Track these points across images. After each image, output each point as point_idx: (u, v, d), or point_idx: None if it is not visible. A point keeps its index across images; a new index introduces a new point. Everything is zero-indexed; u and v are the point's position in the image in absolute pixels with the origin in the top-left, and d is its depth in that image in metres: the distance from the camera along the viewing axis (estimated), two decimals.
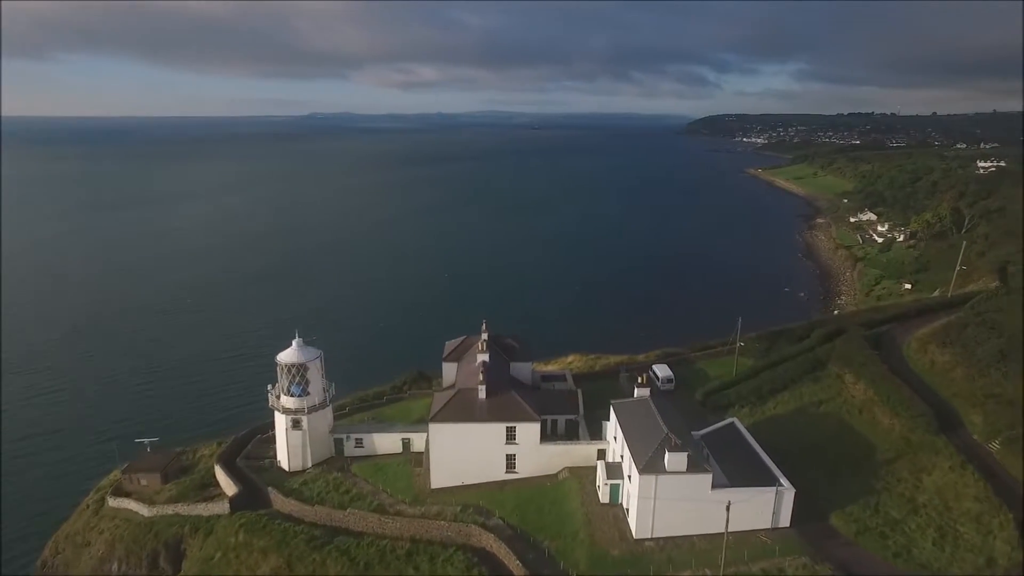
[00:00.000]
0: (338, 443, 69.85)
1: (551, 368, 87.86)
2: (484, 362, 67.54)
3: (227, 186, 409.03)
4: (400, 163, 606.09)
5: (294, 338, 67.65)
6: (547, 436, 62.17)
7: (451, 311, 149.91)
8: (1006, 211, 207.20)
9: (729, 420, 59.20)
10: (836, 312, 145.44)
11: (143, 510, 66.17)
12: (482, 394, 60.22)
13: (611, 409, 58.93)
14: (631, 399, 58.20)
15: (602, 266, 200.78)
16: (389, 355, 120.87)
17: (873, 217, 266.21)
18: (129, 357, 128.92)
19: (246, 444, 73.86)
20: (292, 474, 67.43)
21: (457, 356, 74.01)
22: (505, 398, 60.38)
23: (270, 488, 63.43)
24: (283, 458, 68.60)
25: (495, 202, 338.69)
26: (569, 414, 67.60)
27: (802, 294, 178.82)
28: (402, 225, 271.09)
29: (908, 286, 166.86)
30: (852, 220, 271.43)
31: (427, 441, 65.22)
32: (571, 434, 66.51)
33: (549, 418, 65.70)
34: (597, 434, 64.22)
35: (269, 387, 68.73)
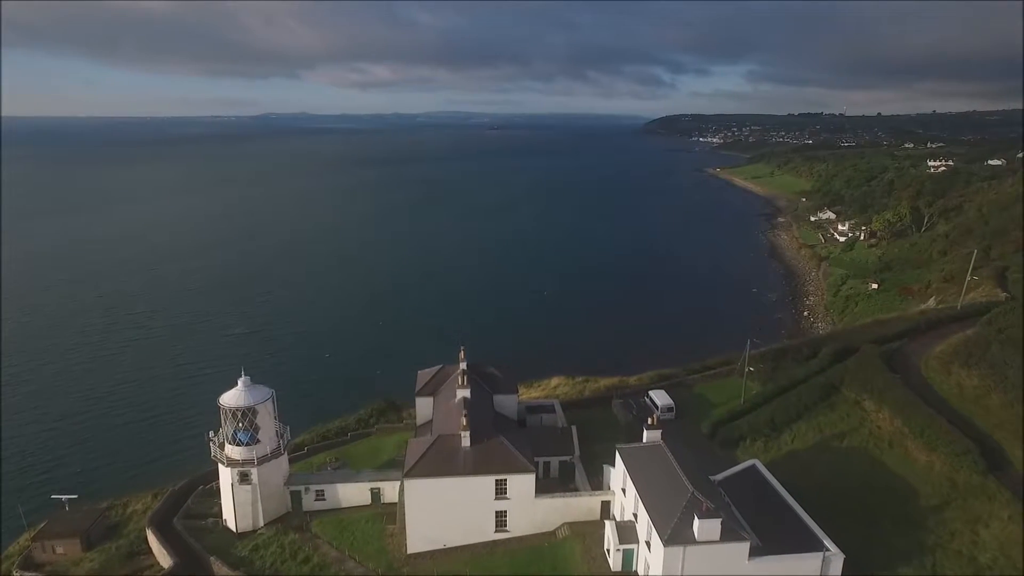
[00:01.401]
0: (295, 496, 59.83)
1: (535, 395, 79.58)
2: (465, 399, 58.81)
3: (166, 190, 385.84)
4: (353, 164, 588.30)
5: (240, 376, 57.46)
6: (539, 481, 53.76)
7: (417, 327, 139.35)
8: (963, 209, 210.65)
9: (750, 462, 51.74)
10: (827, 327, 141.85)
11: None
12: (466, 441, 51.35)
13: (617, 456, 50.81)
14: (641, 445, 50.12)
15: (569, 273, 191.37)
16: (351, 381, 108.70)
17: (832, 216, 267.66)
18: (38, 390, 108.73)
19: (185, 499, 63.11)
20: (241, 536, 57.22)
21: (432, 389, 64.81)
22: (493, 445, 51.62)
23: (213, 558, 53.20)
24: (229, 517, 58.27)
25: (453, 205, 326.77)
26: (563, 455, 59.35)
27: (771, 295, 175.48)
28: (355, 231, 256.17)
29: (874, 285, 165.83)
30: (812, 219, 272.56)
31: (401, 493, 56.13)
32: (566, 478, 58.31)
33: (541, 460, 57.37)
34: (596, 476, 56.27)
35: (210, 434, 58.30)
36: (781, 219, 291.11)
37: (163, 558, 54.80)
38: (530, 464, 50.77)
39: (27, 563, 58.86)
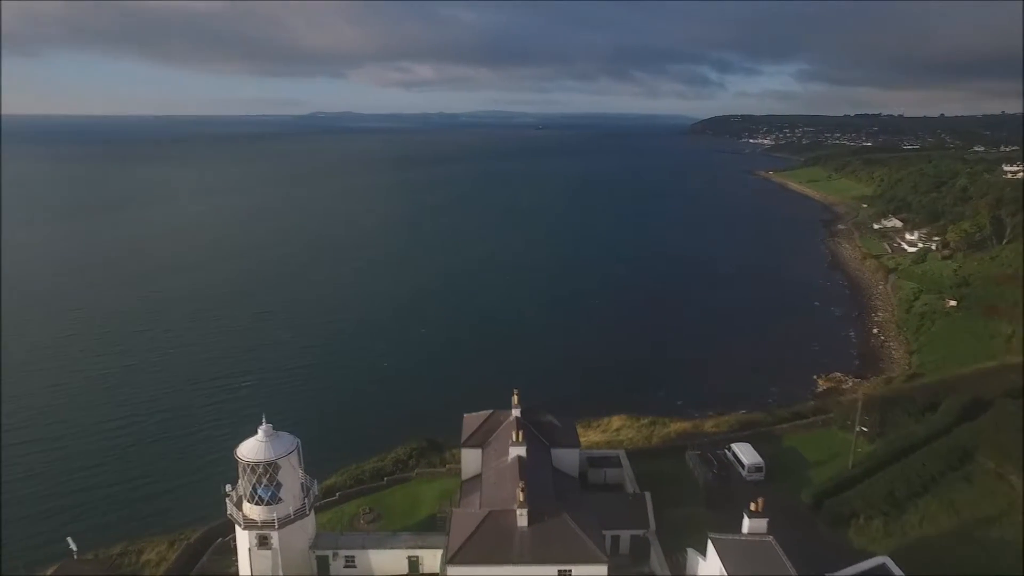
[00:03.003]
0: (322, 562, 51.84)
1: (595, 438, 70.12)
2: (520, 459, 49.76)
3: (209, 190, 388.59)
4: (396, 164, 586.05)
5: (260, 424, 49.69)
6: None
7: (460, 350, 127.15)
8: None
9: (878, 559, 41.23)
10: (901, 347, 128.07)
11: None
12: (522, 520, 42.28)
13: (710, 547, 41.04)
14: (743, 538, 40.19)
15: (615, 286, 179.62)
16: (387, 412, 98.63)
17: (898, 224, 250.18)
18: (45, 415, 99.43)
19: (201, 554, 55.99)
20: None
21: (481, 440, 56.05)
22: (555, 525, 42.44)
23: None
24: None
25: (493, 208, 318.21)
26: (636, 528, 49.92)
27: (835, 310, 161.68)
28: (394, 235, 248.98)
29: (952, 302, 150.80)
30: (876, 227, 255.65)
31: (443, 566, 47.67)
32: (639, 555, 48.94)
33: (610, 534, 48.05)
34: (674, 553, 46.81)
35: (227, 488, 50.72)
36: (841, 226, 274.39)
37: None
38: (601, 551, 41.44)
39: None
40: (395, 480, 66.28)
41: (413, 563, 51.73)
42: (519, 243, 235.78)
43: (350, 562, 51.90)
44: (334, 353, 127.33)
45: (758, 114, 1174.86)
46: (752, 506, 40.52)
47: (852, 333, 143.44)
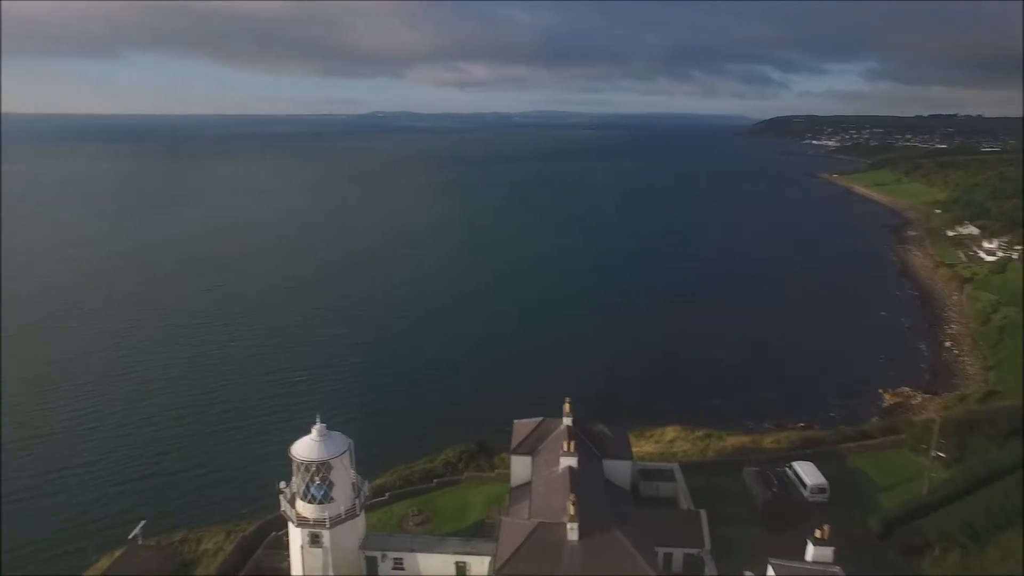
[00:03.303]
0: (371, 563, 52.14)
1: (648, 449, 68.38)
2: (571, 469, 48.79)
3: (270, 187, 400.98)
4: (452, 163, 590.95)
5: (314, 423, 50.30)
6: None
7: (509, 352, 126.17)
8: None
9: None
10: (977, 362, 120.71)
11: None
12: (573, 534, 41.31)
13: (770, 572, 39.08)
14: (805, 565, 38.10)
15: (675, 292, 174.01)
16: (437, 413, 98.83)
17: (975, 231, 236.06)
18: (111, 402, 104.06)
19: (256, 547, 57.16)
20: None
21: (531, 447, 55.32)
22: (607, 541, 41.32)
23: None
24: None
25: (543, 208, 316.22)
26: (690, 546, 48.20)
27: (904, 321, 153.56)
28: (445, 235, 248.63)
29: None
30: (950, 234, 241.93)
31: (491, 573, 47.27)
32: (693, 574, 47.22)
33: (662, 551, 46.56)
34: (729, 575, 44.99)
35: (281, 485, 51.58)
36: (911, 233, 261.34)
37: None
38: (654, 570, 40.06)
39: None
40: (444, 482, 66.20)
41: (461, 568, 51.42)
42: (571, 244, 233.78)
43: (398, 564, 51.99)
44: (385, 350, 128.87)
45: (822, 114, 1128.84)
46: (818, 533, 38.36)
47: (923, 346, 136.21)
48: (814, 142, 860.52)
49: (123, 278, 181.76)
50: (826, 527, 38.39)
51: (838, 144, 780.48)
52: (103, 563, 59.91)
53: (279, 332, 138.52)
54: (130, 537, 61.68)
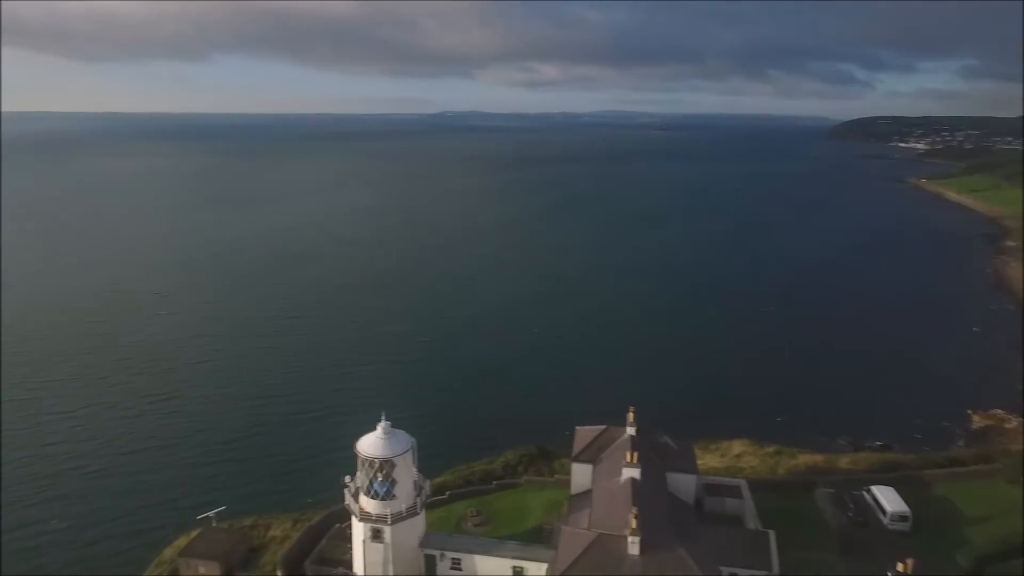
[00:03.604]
0: (430, 561, 52.63)
1: (713, 463, 66.28)
2: (634, 481, 47.70)
3: (341, 184, 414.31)
4: (518, 163, 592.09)
5: (380, 420, 51.22)
6: None
7: (572, 356, 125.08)
8: None
9: None
10: None
11: None
12: (634, 548, 40.34)
13: None
14: None
15: (744, 300, 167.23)
16: (498, 413, 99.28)
17: None
18: (190, 389, 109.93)
19: (320, 538, 58.80)
20: None
21: (593, 455, 54.46)
22: (669, 558, 40.12)
23: None
24: (358, 570, 52.55)
25: (613, 211, 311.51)
26: (756, 568, 46.21)
27: (998, 338, 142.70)
28: (510, 235, 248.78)
29: None
30: None
31: None
32: None
33: (727, 571, 44.79)
34: None
35: (346, 479, 52.82)
36: (1010, 243, 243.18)
37: None
38: None
39: None
40: (503, 485, 66.17)
41: (518, 573, 51.09)
42: (638, 247, 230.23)
43: (456, 564, 52.24)
44: (449, 348, 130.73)
45: (911, 115, 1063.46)
46: (900, 566, 35.94)
47: (1021, 365, 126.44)
48: (901, 145, 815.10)
49: (205, 270, 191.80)
50: (909, 560, 35.95)
51: (927, 147, 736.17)
52: (180, 542, 63.27)
53: (346, 326, 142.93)
54: (201, 517, 64.97)
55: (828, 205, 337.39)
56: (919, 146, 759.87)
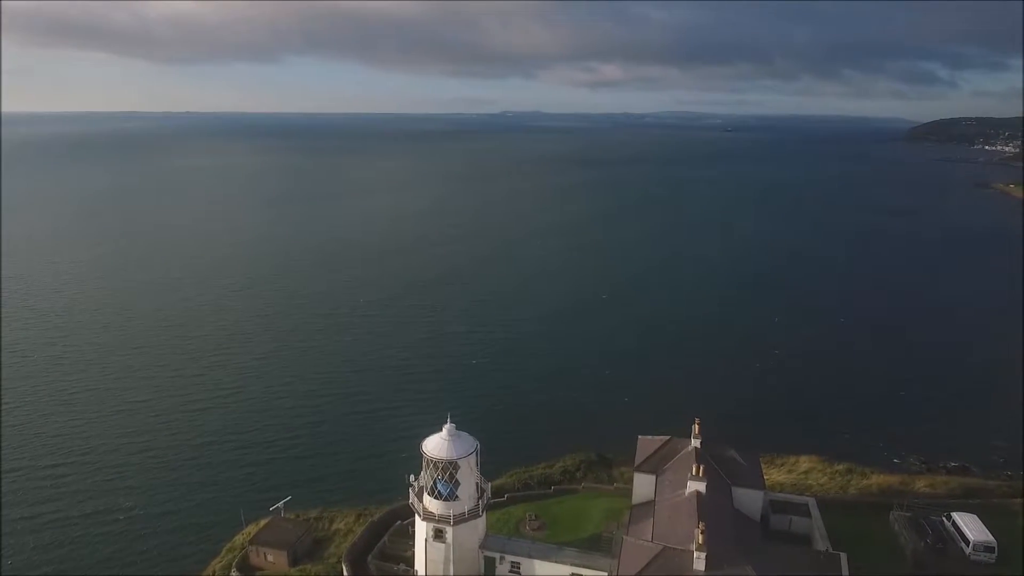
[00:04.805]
0: (489, 563, 53.20)
1: (779, 478, 64.47)
2: (699, 494, 46.96)
3: (406, 183, 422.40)
4: (580, 164, 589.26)
5: (445, 422, 52.13)
6: None
7: (633, 363, 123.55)
8: None
9: None
10: None
11: None
12: (699, 563, 39.72)
13: None
14: None
15: (815, 311, 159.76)
16: (557, 417, 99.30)
17: None
18: (256, 380, 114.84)
19: (382, 533, 60.33)
20: None
21: (656, 466, 53.86)
22: (735, 575, 39.24)
23: None
24: (420, 568, 53.66)
25: (677, 214, 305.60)
26: None
27: None
28: (572, 238, 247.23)
29: None
30: None
31: None
32: None
33: None
34: None
35: (410, 478, 54.01)
36: None
37: None
38: None
39: (243, 565, 60.53)
40: (561, 490, 66.20)
41: None
42: (708, 253, 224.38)
43: (515, 568, 52.62)
44: (509, 351, 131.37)
45: (999, 116, 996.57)
46: None
47: None
48: (986, 148, 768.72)
49: (275, 267, 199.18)
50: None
51: (1016, 150, 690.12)
52: (249, 529, 66.16)
53: (411, 325, 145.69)
54: (273, 509, 67.66)
55: (902, 211, 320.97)
56: (1007, 149, 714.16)
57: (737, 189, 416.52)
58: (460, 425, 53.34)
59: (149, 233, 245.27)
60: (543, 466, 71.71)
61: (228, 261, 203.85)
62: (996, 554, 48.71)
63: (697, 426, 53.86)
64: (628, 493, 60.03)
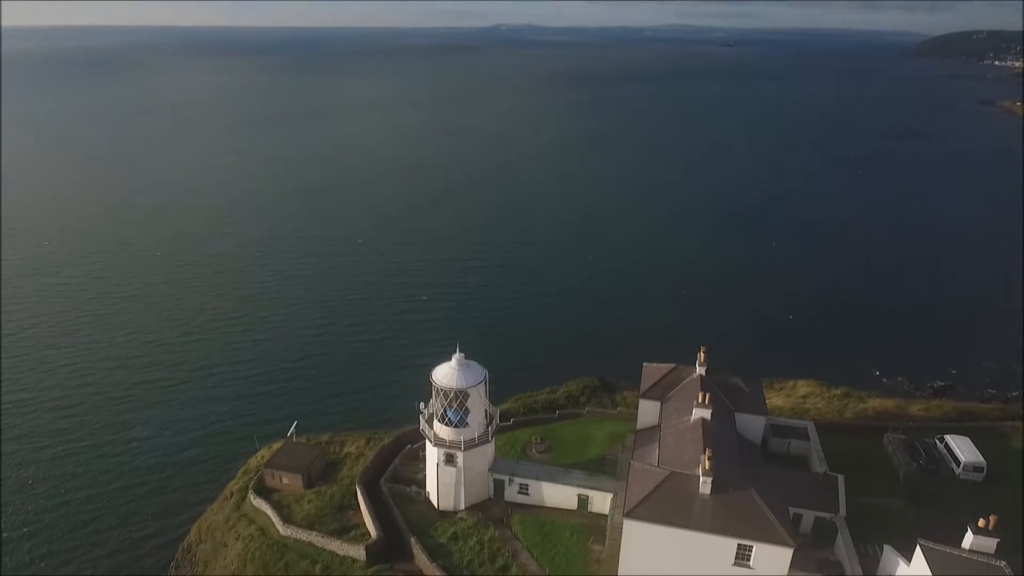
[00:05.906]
0: (498, 485, 55.33)
1: (778, 402, 66.26)
2: (704, 421, 48.27)
3: (396, 103, 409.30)
4: (575, 82, 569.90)
5: (455, 352, 52.74)
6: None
7: (634, 289, 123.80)
8: None
9: None
10: None
11: (279, 525, 57.32)
12: (705, 487, 41.24)
13: (918, 553, 37.28)
14: (962, 553, 35.80)
15: (814, 236, 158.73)
16: (561, 344, 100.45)
17: None
18: (254, 308, 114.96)
19: (393, 457, 62.27)
20: (442, 514, 54.61)
21: (661, 393, 55.01)
22: (740, 499, 40.91)
23: (413, 539, 50.93)
24: (432, 491, 55.80)
25: (673, 137, 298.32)
26: (823, 510, 46.88)
27: None
28: (568, 161, 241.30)
29: None
30: None
31: (612, 513, 49.00)
32: (822, 539, 46.30)
33: (792, 510, 45.48)
34: (861, 544, 43.87)
35: (420, 405, 55.24)
36: None
37: (368, 522, 54.10)
38: (789, 535, 39.39)
39: (259, 486, 62.64)
40: (566, 415, 67.87)
41: (583, 501, 53.38)
42: (708, 177, 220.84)
43: (523, 489, 54.76)
44: (509, 277, 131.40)
45: (1012, 30, 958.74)
46: (981, 522, 35.71)
47: None
48: (996, 63, 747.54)
49: (264, 191, 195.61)
50: (992, 517, 35.62)
51: None
52: (263, 453, 68.14)
53: (407, 251, 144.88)
54: (288, 435, 69.44)
55: (908, 134, 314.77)
56: (1018, 65, 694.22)
57: (740, 108, 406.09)
58: (464, 348, 53.97)
59: (138, 157, 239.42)
60: (547, 391, 73.37)
61: (222, 187, 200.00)
62: (984, 474, 50.78)
63: (703, 354, 54.70)
64: (631, 417, 61.81)
